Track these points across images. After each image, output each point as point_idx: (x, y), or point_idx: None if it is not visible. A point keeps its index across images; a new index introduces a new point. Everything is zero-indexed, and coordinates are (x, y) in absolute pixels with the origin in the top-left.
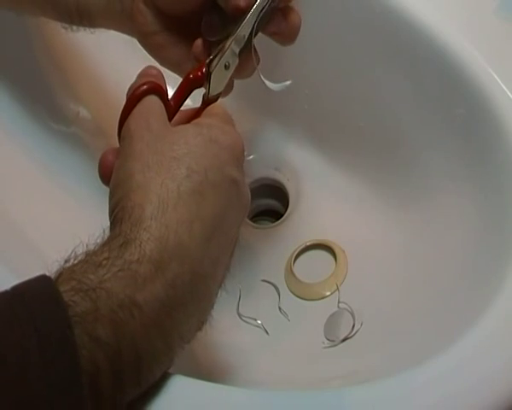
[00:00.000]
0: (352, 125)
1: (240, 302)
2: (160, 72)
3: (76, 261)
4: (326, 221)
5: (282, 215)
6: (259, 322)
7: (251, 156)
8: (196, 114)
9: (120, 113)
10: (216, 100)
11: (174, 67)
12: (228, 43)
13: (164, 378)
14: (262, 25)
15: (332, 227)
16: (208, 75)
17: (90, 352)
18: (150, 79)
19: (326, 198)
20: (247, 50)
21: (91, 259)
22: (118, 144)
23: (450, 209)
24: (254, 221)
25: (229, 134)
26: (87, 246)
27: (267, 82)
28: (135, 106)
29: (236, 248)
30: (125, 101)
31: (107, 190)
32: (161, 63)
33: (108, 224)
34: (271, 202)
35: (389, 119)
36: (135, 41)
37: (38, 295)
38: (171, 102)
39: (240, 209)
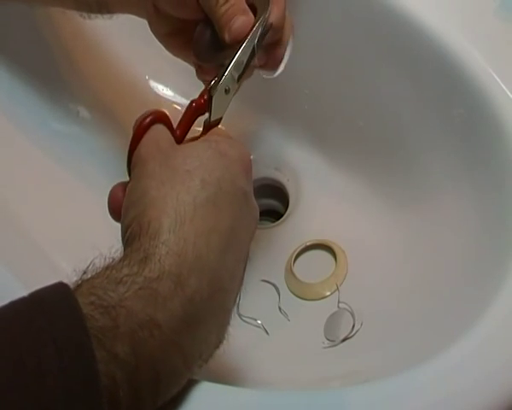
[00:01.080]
0: (352, 125)
1: (240, 302)
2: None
3: (95, 274)
4: (326, 221)
5: (282, 215)
6: (259, 322)
7: (251, 156)
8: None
9: (129, 145)
10: (217, 124)
11: (188, 63)
12: (228, 69)
13: None
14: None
15: (332, 227)
16: (210, 101)
17: (108, 367)
18: (155, 110)
19: (326, 198)
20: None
21: (111, 274)
22: (115, 147)
23: (450, 209)
24: None
25: (237, 148)
26: (106, 258)
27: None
28: (142, 136)
29: None
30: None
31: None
32: (176, 57)
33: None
34: (271, 202)
35: (389, 119)
36: (147, 35)
37: (56, 302)
38: (177, 132)
39: (251, 222)
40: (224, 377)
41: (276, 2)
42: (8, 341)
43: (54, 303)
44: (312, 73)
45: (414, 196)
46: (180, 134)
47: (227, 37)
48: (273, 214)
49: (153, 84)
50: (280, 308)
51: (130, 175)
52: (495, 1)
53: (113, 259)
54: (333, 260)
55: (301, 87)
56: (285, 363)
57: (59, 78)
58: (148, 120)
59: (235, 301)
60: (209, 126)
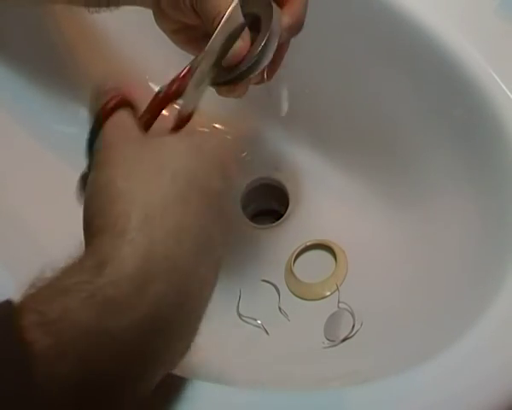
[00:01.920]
0: (352, 125)
1: (240, 302)
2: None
3: (42, 286)
4: (326, 221)
5: (282, 215)
6: (259, 322)
7: (251, 156)
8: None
9: (89, 130)
10: (189, 119)
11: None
12: (198, 60)
13: (163, 378)
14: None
15: (332, 227)
16: (179, 92)
17: (52, 391)
18: (119, 90)
19: (326, 198)
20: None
21: (59, 283)
22: None
23: (450, 209)
24: (254, 221)
25: (214, 143)
26: (58, 266)
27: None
28: (105, 120)
29: (237, 248)
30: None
31: None
32: (184, 51)
33: None
34: (271, 202)
35: (389, 119)
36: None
37: (1, 335)
38: (143, 119)
39: (223, 224)
40: (224, 378)
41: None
42: None
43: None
44: (312, 74)
45: (414, 196)
46: (146, 122)
47: (222, 61)
48: (273, 214)
49: (153, 84)
50: (280, 308)
51: (89, 165)
52: (495, 0)
53: (66, 265)
54: (333, 260)
55: (301, 87)
56: (285, 363)
57: (61, 76)
58: (112, 103)
59: (204, 309)
60: (180, 120)
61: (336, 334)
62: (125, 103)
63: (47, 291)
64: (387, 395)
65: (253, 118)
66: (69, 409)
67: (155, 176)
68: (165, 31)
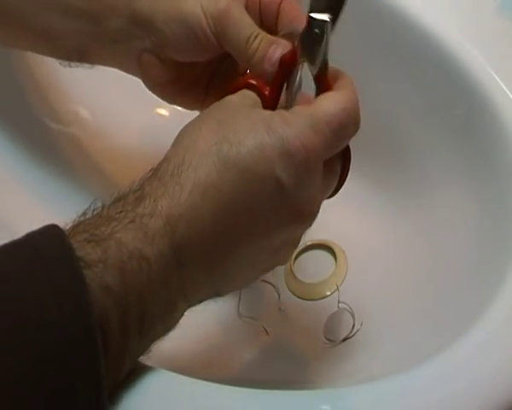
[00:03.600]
0: None
1: (240, 302)
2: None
3: (91, 215)
4: (326, 221)
5: None
6: (259, 322)
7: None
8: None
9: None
10: (326, 72)
11: (185, 108)
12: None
13: (161, 377)
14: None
15: (332, 227)
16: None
17: (100, 302)
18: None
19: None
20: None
21: (106, 213)
22: (115, 147)
23: (450, 209)
24: None
25: (292, 127)
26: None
27: None
28: (235, 90)
29: None
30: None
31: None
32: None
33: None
34: None
35: (389, 119)
36: None
37: (54, 254)
38: (268, 95)
39: (283, 217)
40: (224, 377)
41: None
42: (10, 295)
43: (51, 255)
44: None
45: (414, 196)
46: (270, 97)
47: (268, 66)
48: None
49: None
50: (280, 308)
51: None
52: (495, 0)
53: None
54: (333, 260)
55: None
56: (285, 363)
57: (55, 78)
58: (246, 79)
59: (243, 271)
60: (319, 78)
61: (336, 334)
62: (251, 87)
63: (96, 220)
64: (387, 395)
65: None
66: (110, 323)
67: (209, 133)
68: (155, 84)
